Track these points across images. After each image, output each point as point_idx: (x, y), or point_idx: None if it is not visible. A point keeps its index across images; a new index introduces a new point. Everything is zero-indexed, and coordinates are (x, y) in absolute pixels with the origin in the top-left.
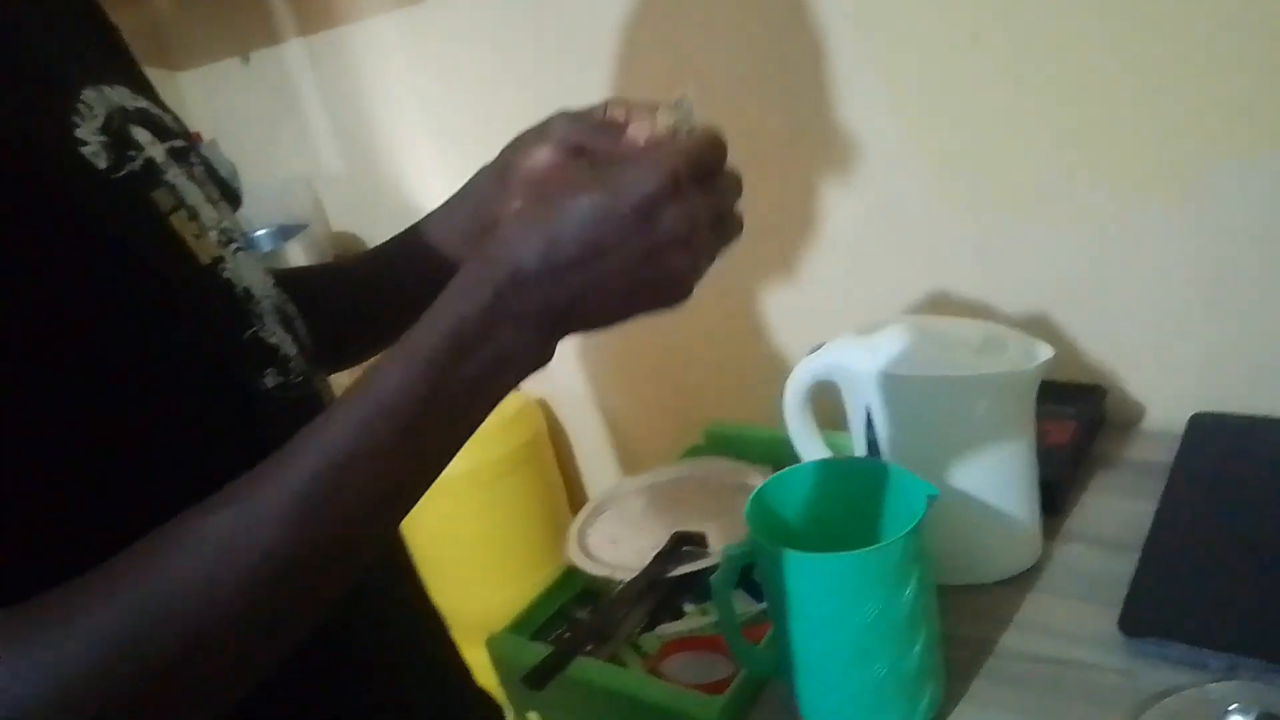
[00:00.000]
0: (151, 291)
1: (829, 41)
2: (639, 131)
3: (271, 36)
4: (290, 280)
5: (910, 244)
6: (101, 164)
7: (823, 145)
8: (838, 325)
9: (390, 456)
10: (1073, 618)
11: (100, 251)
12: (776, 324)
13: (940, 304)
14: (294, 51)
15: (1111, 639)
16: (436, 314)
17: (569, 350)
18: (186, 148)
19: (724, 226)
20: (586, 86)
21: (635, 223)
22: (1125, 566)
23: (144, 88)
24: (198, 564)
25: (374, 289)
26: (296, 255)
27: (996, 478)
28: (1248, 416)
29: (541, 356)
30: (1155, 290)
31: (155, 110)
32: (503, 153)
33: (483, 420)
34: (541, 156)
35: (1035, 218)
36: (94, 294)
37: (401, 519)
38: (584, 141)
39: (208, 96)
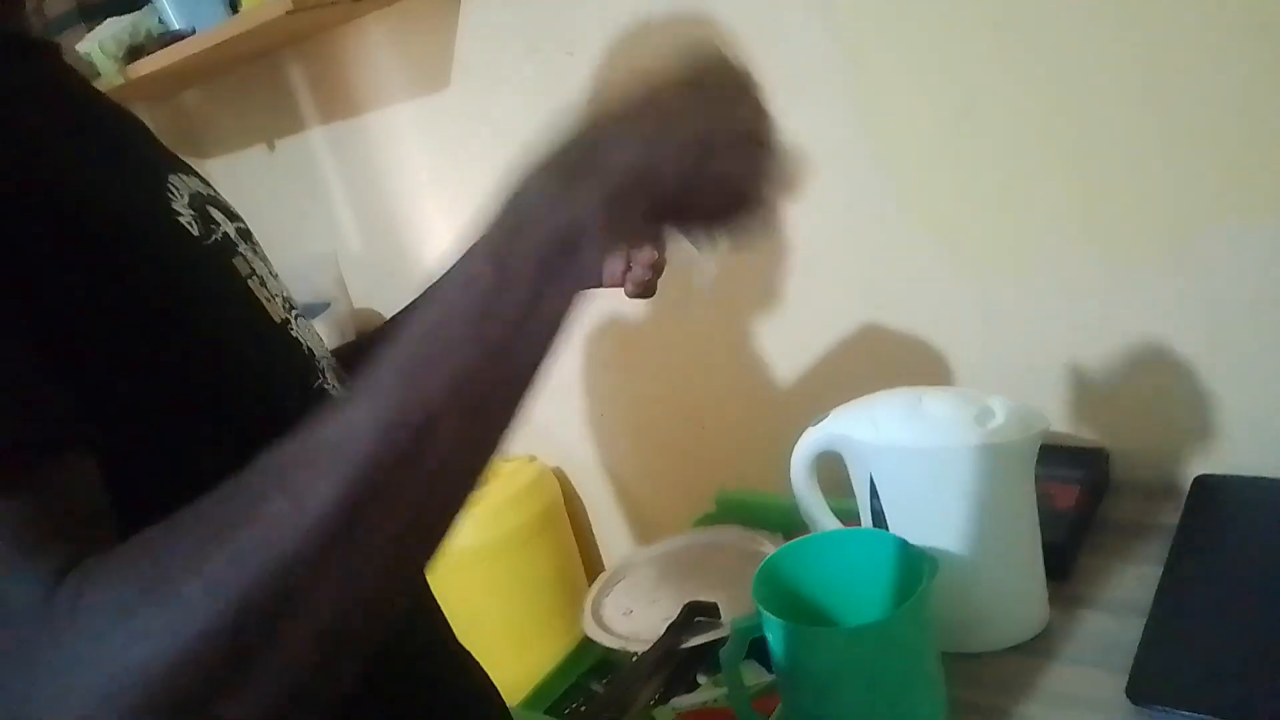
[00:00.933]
0: (243, 343)
1: (832, 121)
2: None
3: (295, 125)
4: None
5: (915, 312)
6: (195, 232)
7: (829, 219)
8: (846, 393)
9: (467, 352)
10: (1082, 685)
11: (201, 306)
12: (786, 392)
13: (946, 370)
14: (317, 138)
15: (1121, 706)
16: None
17: (584, 419)
18: (248, 230)
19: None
20: None
21: (705, 100)
22: (1133, 632)
23: (205, 181)
24: (288, 485)
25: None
26: (322, 333)
27: (1000, 545)
28: (1251, 477)
29: (618, 227)
30: (1154, 354)
31: (221, 197)
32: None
33: (565, 310)
34: None
35: (1037, 284)
36: (191, 347)
37: (495, 438)
38: None
39: (235, 183)
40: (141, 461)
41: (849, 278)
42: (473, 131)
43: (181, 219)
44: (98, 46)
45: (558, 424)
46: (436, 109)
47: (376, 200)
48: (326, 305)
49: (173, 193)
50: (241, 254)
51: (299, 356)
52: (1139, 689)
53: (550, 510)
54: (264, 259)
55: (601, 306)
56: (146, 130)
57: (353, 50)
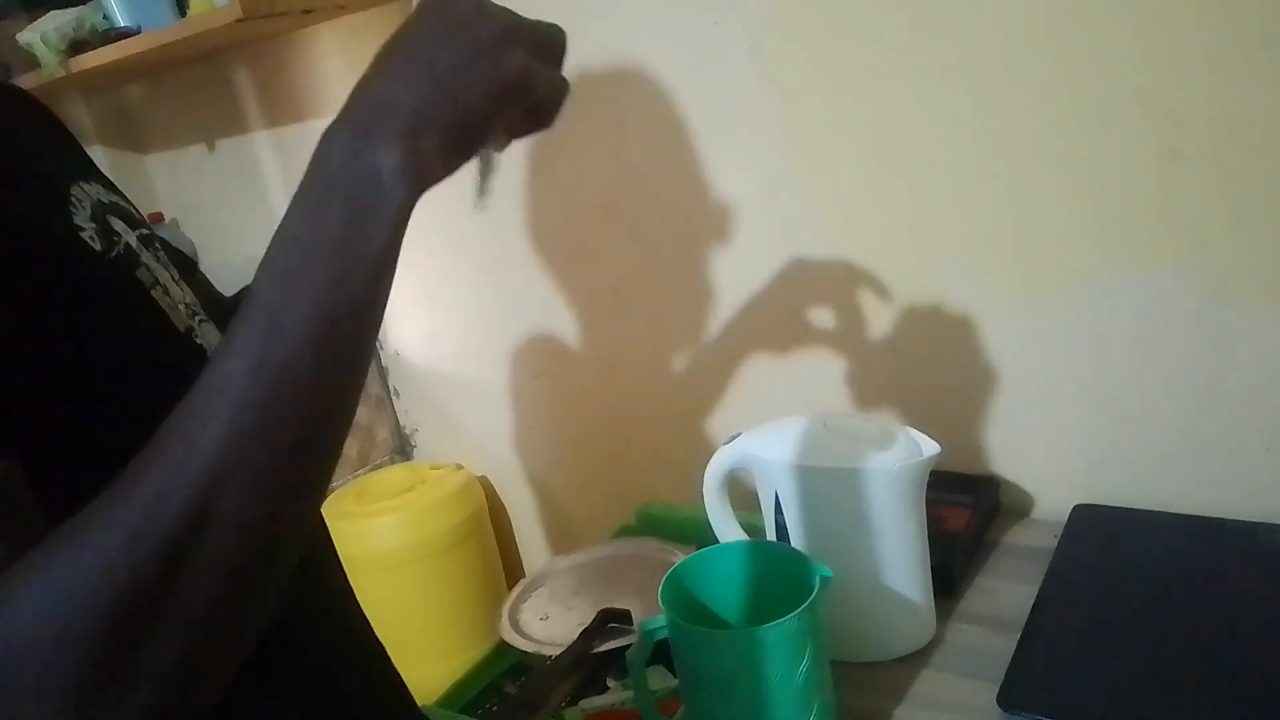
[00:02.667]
0: (147, 356)
1: (761, 155)
2: None
3: (240, 127)
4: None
5: (829, 342)
6: (98, 246)
7: (753, 250)
8: (761, 415)
9: (310, 293)
10: (960, 692)
11: (104, 322)
12: (707, 412)
13: (855, 396)
14: (261, 141)
15: (993, 712)
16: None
17: (512, 430)
18: (150, 235)
19: (549, 60)
20: (539, 189)
21: (460, 26)
22: (1010, 646)
23: (109, 184)
24: (180, 434)
25: None
26: None
27: (892, 561)
28: (1125, 509)
29: (408, 161)
30: (1043, 389)
31: (124, 203)
32: None
33: (391, 252)
34: None
35: (938, 319)
36: (98, 359)
37: (353, 357)
38: None
39: (173, 179)
40: (56, 474)
41: (769, 308)
42: None
43: (84, 234)
44: (39, 38)
45: (485, 433)
46: None
47: None
48: None
49: (75, 205)
50: (144, 264)
51: (202, 364)
52: (1008, 697)
53: (475, 517)
54: (166, 265)
55: (534, 320)
56: (52, 131)
57: (301, 58)
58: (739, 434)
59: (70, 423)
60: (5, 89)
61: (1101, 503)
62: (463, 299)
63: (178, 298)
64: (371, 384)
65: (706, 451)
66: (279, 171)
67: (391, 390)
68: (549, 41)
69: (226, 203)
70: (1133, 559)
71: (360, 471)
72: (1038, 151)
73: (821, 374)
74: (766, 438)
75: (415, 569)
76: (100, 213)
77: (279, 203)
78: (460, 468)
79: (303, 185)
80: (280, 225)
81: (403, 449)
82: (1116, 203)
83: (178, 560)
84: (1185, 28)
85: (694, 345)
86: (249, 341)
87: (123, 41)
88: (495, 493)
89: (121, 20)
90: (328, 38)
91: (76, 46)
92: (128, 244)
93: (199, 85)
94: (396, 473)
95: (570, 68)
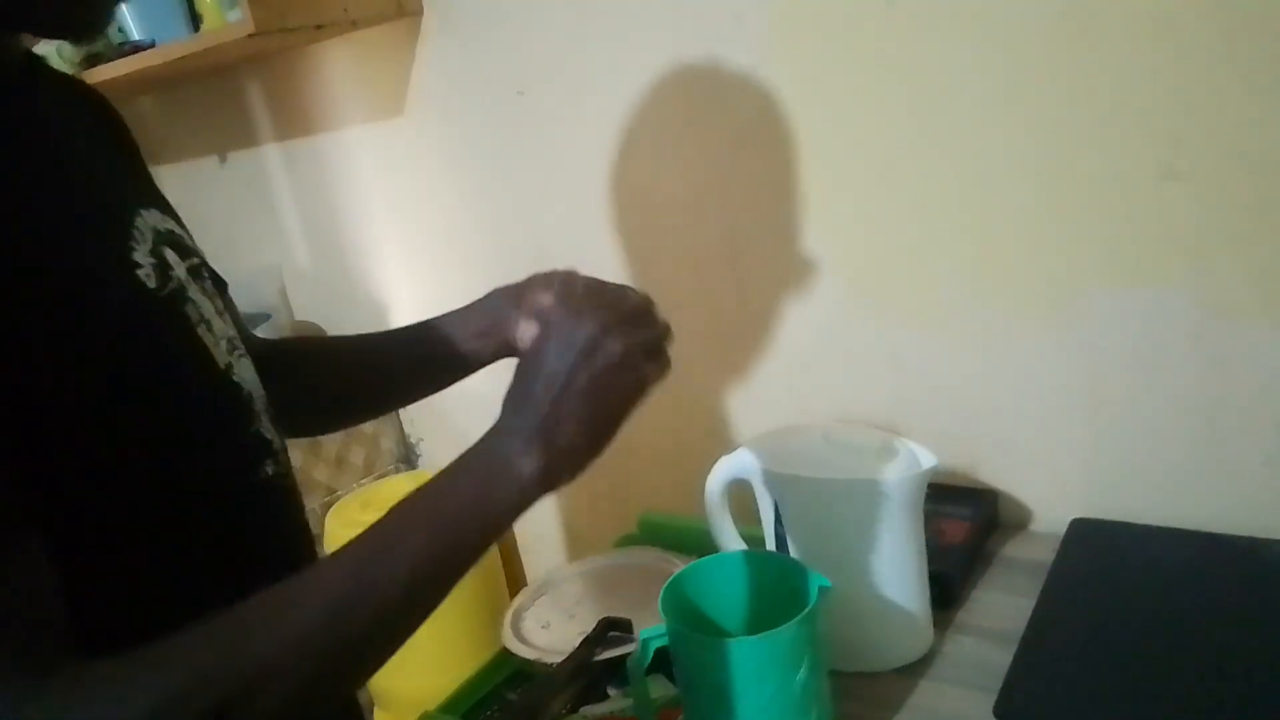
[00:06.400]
0: (191, 396)
1: (762, 171)
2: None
3: (250, 140)
4: (277, 350)
5: (829, 356)
6: (152, 284)
7: (757, 265)
8: (762, 426)
9: (425, 539)
10: (956, 703)
11: (153, 362)
12: (709, 424)
13: (854, 410)
14: (271, 154)
15: None
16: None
17: None
18: (200, 264)
19: (659, 359)
20: (541, 204)
21: (584, 355)
22: (1007, 658)
23: (167, 208)
24: (257, 627)
25: (379, 366)
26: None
27: (889, 572)
28: (1123, 523)
29: (538, 466)
30: (1041, 404)
31: (179, 231)
32: (525, 280)
33: (497, 524)
34: (545, 296)
35: (937, 335)
36: (135, 400)
37: (433, 594)
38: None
39: (185, 191)
40: (85, 515)
41: (769, 320)
42: (422, 159)
43: (141, 271)
44: (55, 51)
45: None
46: (390, 135)
47: (325, 218)
48: (268, 316)
49: (136, 239)
50: (192, 299)
51: (240, 401)
52: (1005, 709)
53: (487, 563)
54: (212, 296)
55: None
56: (122, 144)
57: (312, 72)
58: (740, 445)
59: (100, 462)
60: (88, 92)
61: (1099, 516)
62: None
63: (220, 333)
64: None
65: (708, 462)
66: (289, 184)
67: None
68: (656, 341)
69: (237, 215)
70: (1130, 573)
71: (365, 480)
72: (1036, 169)
73: (822, 387)
74: (766, 449)
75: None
76: (158, 245)
77: (289, 215)
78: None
79: (462, 457)
80: (435, 477)
81: (408, 458)
82: (1114, 220)
83: (236, 703)
84: (1181, 47)
85: (695, 357)
86: (359, 553)
87: (137, 55)
88: (511, 537)
89: (136, 34)
90: (339, 53)
91: (91, 59)
92: (179, 278)
93: (211, 99)
94: (402, 482)
95: (575, 88)
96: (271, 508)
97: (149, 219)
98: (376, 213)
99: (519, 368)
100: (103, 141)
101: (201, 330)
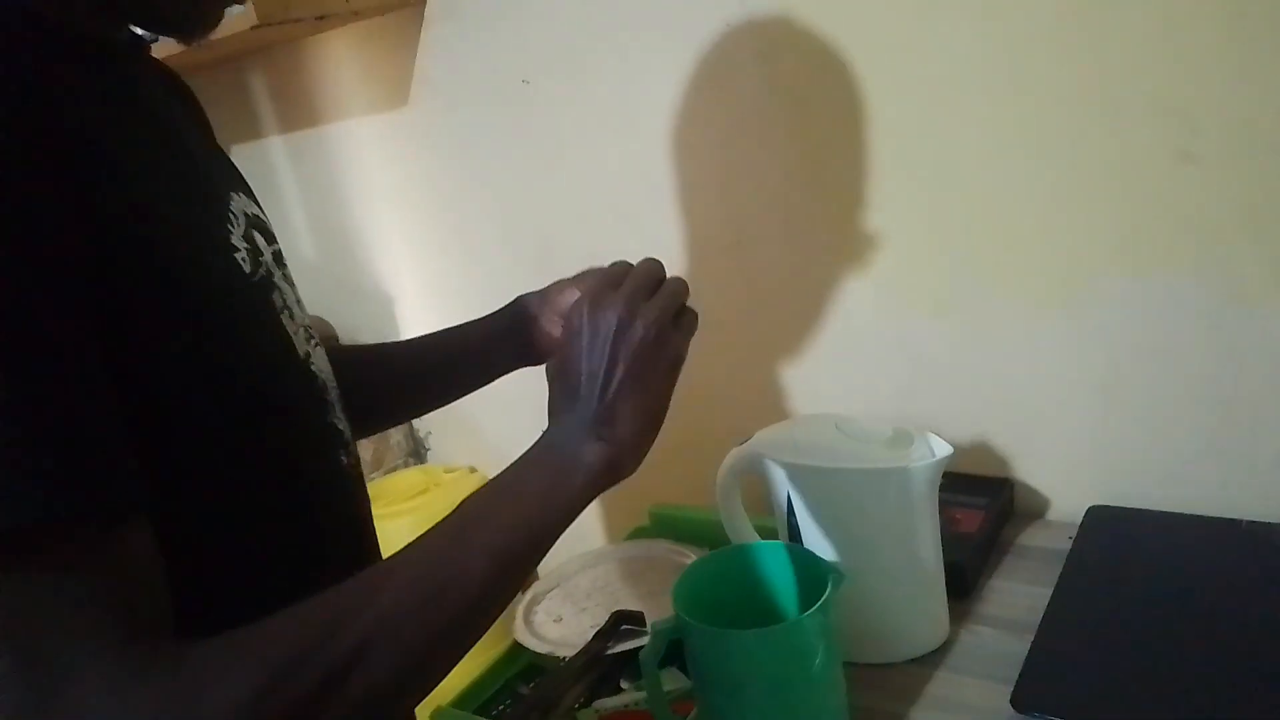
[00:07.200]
0: (276, 383)
1: (772, 162)
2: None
3: (255, 132)
4: (342, 358)
5: (842, 344)
6: (246, 268)
7: (765, 254)
8: (774, 417)
9: (498, 527)
10: (973, 694)
11: (247, 347)
12: (720, 414)
13: (866, 399)
14: (275, 146)
15: (1006, 713)
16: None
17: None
18: (280, 250)
19: (683, 319)
20: (547, 193)
21: (616, 344)
22: (1023, 647)
23: (250, 192)
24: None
25: (416, 372)
26: None
27: (904, 562)
28: (1139, 510)
29: (602, 456)
30: (1056, 392)
31: (263, 216)
32: (548, 286)
33: (568, 512)
34: (570, 295)
35: (951, 326)
36: (241, 386)
37: (507, 581)
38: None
39: None
40: (175, 497)
41: (781, 311)
42: (429, 149)
43: (238, 254)
44: None
45: (499, 436)
46: (395, 125)
47: (331, 209)
48: None
49: (232, 222)
50: (278, 285)
51: (315, 390)
52: (1022, 699)
53: None
54: (291, 283)
55: None
56: (205, 126)
57: (316, 63)
58: (751, 435)
59: (190, 447)
60: (173, 75)
61: (1115, 504)
62: (476, 303)
63: (300, 320)
64: None
65: (719, 453)
66: (294, 176)
67: None
68: (677, 305)
69: None
70: (1147, 560)
71: (375, 475)
72: (1049, 155)
73: (834, 376)
74: (778, 439)
75: None
76: (250, 230)
77: (294, 207)
78: (474, 470)
79: (526, 454)
80: (502, 473)
81: (417, 452)
82: (1129, 206)
83: (335, 681)
84: (1195, 28)
85: (707, 348)
86: (435, 542)
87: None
88: None
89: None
90: (342, 43)
91: None
92: (267, 264)
93: (214, 90)
94: (411, 476)
95: (580, 76)
96: (344, 496)
97: (239, 203)
98: (381, 204)
99: (555, 369)
100: (193, 123)
101: (284, 318)
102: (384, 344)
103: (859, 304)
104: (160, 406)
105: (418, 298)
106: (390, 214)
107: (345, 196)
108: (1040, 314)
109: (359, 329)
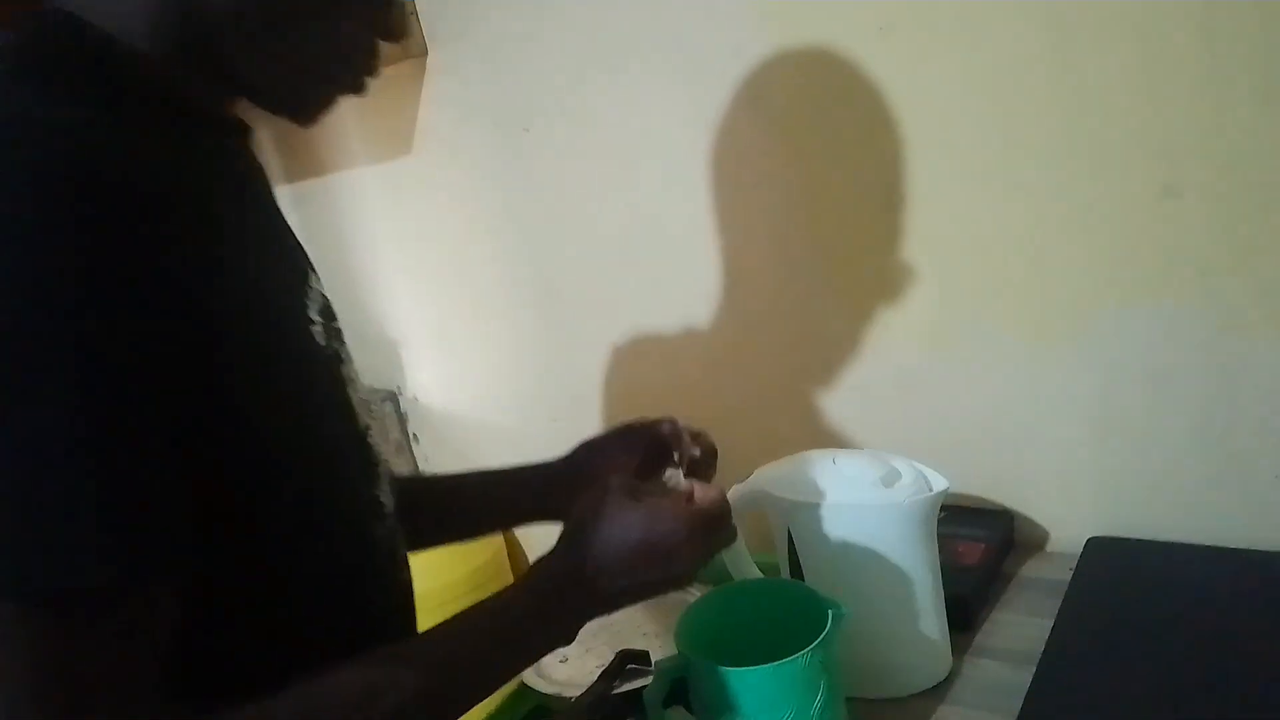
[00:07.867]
0: (335, 455)
1: (771, 202)
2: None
3: None
4: (414, 486)
5: (842, 381)
6: (322, 342)
7: (762, 293)
8: (774, 453)
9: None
10: None
11: (318, 417)
12: (721, 451)
13: (865, 434)
14: (281, 195)
15: None
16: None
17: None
18: (340, 329)
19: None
20: (549, 239)
21: (661, 558)
22: (1026, 679)
23: (315, 271)
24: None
25: (478, 508)
26: None
27: (905, 596)
28: (1139, 540)
29: (583, 608)
30: (1054, 424)
31: (326, 294)
32: (606, 435)
33: (544, 647)
34: (622, 462)
35: (948, 359)
36: (300, 457)
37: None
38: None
39: None
40: (225, 561)
41: (781, 347)
42: (431, 197)
43: (315, 328)
44: None
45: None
46: (398, 174)
47: (335, 256)
48: None
49: (310, 298)
50: (344, 360)
51: (370, 463)
52: None
53: (493, 563)
54: (351, 360)
55: (550, 364)
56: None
57: None
58: (752, 473)
59: (250, 513)
60: (250, 152)
61: (1116, 535)
62: (479, 344)
63: (361, 394)
64: (391, 429)
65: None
66: (300, 224)
67: (411, 435)
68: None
69: None
70: (1148, 590)
71: None
72: (1040, 192)
73: (833, 411)
74: (778, 476)
75: (436, 615)
76: (323, 309)
77: None
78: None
79: (517, 586)
80: (500, 595)
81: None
82: (1117, 240)
83: None
84: (1173, 67)
85: (708, 385)
86: (438, 653)
87: None
88: (514, 536)
89: None
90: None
91: None
92: (335, 341)
93: None
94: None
95: (579, 113)
96: (378, 567)
97: (313, 279)
98: (387, 251)
99: (590, 505)
100: (268, 187)
101: (351, 391)
102: (448, 476)
103: (857, 340)
104: (233, 469)
105: (423, 343)
106: (395, 261)
107: (351, 244)
108: (1037, 347)
109: (365, 374)
